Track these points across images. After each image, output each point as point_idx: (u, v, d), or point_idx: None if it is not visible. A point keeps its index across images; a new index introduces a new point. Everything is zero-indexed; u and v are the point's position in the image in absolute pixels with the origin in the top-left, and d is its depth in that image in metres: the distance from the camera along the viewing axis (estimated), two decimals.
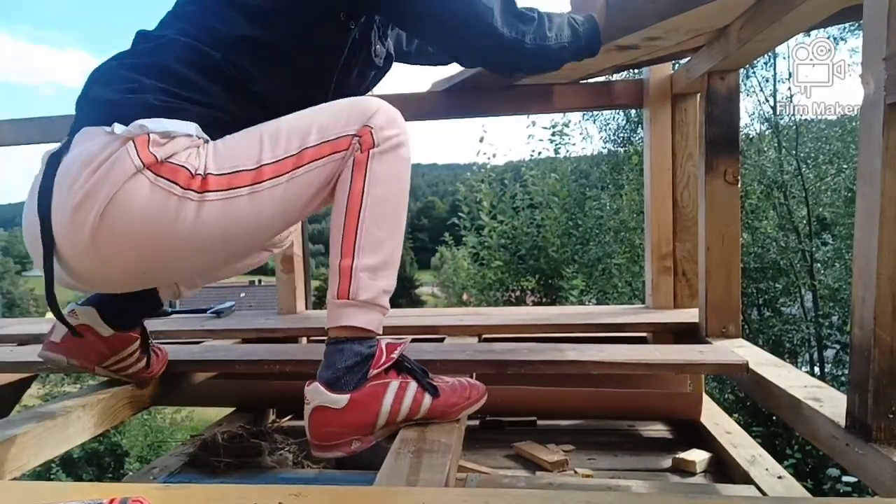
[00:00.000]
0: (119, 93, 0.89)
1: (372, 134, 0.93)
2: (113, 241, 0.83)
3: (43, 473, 8.28)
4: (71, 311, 1.04)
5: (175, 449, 1.34)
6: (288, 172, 0.90)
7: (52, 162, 0.86)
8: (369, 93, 1.25)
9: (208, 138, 0.91)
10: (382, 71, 1.18)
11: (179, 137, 0.86)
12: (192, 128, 0.88)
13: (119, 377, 1.12)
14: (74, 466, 10.10)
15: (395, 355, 0.94)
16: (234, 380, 1.54)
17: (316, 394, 0.90)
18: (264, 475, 1.14)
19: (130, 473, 1.75)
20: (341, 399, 0.89)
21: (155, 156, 0.83)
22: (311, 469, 1.18)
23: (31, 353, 1.48)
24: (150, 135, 0.83)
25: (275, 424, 1.54)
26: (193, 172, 0.85)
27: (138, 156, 0.82)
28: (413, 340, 1.60)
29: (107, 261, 0.86)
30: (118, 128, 0.83)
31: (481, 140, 7.98)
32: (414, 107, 1.88)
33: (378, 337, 0.95)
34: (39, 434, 0.91)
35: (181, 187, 0.84)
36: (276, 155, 0.90)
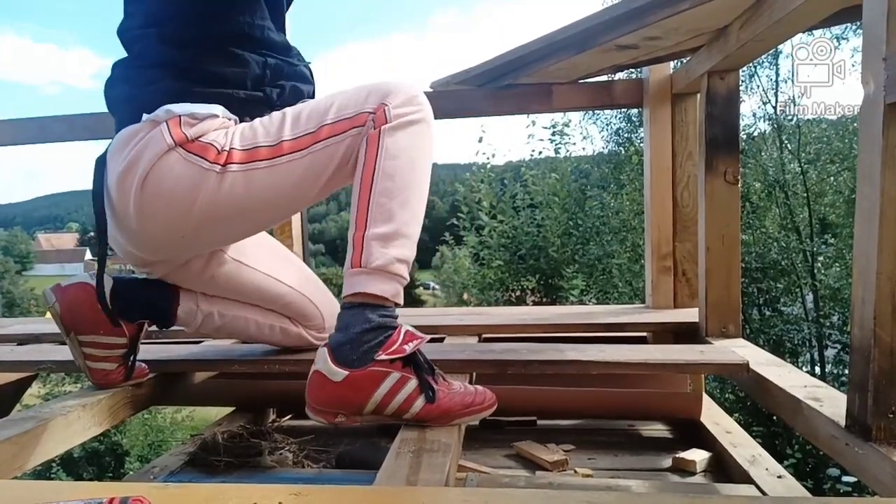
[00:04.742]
0: (138, 86, 1.00)
1: (385, 111, 0.96)
2: (152, 206, 0.96)
3: (43, 473, 8.28)
4: (102, 276, 1.06)
5: (175, 448, 1.34)
6: (306, 148, 0.97)
7: (100, 160, 1.00)
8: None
9: (236, 118, 1.01)
10: None
11: (206, 119, 0.96)
12: (217, 109, 0.98)
13: (81, 363, 1.08)
14: (75, 466, 10.10)
15: (408, 348, 0.92)
16: (234, 379, 1.53)
17: (321, 359, 0.91)
18: (264, 475, 1.14)
19: (131, 473, 1.75)
20: (339, 373, 0.89)
21: (185, 134, 0.94)
22: (311, 469, 1.18)
23: (32, 352, 1.49)
24: (181, 117, 0.95)
25: (275, 424, 1.54)
26: (220, 149, 0.95)
27: (171, 135, 0.94)
28: None
29: (146, 221, 0.97)
30: (146, 117, 0.95)
31: (480, 140, 7.98)
32: None
33: (398, 314, 0.95)
34: (39, 434, 0.91)
35: (208, 161, 0.94)
36: (296, 132, 0.97)
